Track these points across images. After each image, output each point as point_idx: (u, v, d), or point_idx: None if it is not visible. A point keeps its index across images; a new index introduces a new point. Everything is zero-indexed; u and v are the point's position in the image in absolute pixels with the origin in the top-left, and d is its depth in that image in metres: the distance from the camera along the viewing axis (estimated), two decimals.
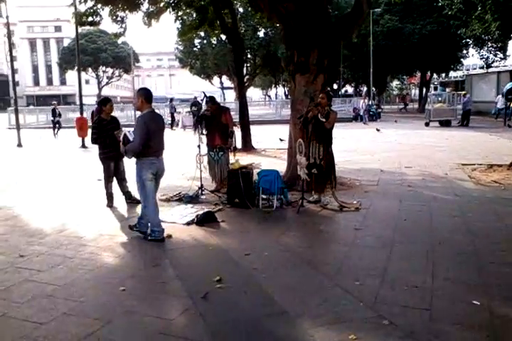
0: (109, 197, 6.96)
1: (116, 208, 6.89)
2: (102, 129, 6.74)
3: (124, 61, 61.02)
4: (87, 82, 79.72)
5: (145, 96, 5.08)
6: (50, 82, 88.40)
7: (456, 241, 5.00)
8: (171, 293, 3.88)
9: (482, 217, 5.95)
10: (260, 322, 3.34)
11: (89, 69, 63.24)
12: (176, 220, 6.03)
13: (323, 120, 6.50)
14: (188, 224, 5.89)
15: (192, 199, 7.10)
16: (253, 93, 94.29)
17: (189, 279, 4.14)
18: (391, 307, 3.48)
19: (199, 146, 7.31)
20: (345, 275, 4.15)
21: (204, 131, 7.70)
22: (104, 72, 64.85)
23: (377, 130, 20.09)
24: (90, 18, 12.18)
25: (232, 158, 7.84)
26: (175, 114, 26.50)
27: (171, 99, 27.27)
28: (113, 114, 7.17)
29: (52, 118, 22.55)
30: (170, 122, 25.76)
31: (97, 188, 7.75)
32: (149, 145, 5.01)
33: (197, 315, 3.44)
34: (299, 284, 3.99)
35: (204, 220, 5.88)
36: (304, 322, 3.31)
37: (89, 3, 11.73)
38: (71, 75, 69.83)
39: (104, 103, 6.94)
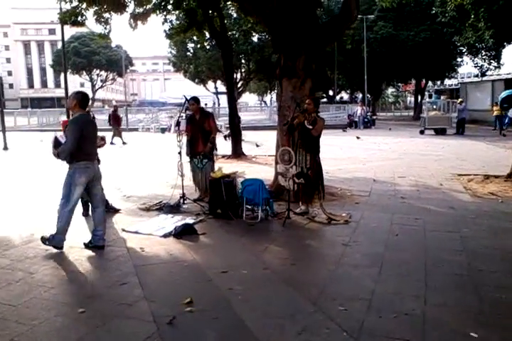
0: (84, 205, 6.55)
1: None
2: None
3: (117, 64, 60.62)
4: (82, 85, 79.43)
5: (80, 100, 5.00)
6: (44, 84, 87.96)
7: (450, 260, 4.63)
8: (134, 317, 3.48)
9: (478, 233, 5.58)
10: None
11: (83, 72, 62.77)
12: (153, 232, 5.64)
13: (310, 127, 6.15)
14: (165, 236, 5.50)
15: (173, 208, 6.71)
16: (249, 98, 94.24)
17: (157, 301, 3.75)
18: (377, 338, 3.11)
19: (180, 153, 6.94)
20: (328, 299, 3.77)
21: (185, 137, 7.31)
22: (98, 75, 64.37)
23: (358, 138, 19.69)
24: (74, 18, 11.82)
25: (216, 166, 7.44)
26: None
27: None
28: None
29: None
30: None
31: None
32: (81, 148, 4.89)
33: None
34: (277, 308, 3.61)
35: (182, 232, 5.50)
36: None
37: (74, 3, 11.39)
38: None
39: None
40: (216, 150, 7.53)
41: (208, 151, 7.18)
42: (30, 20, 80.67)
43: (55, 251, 4.99)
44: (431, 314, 3.45)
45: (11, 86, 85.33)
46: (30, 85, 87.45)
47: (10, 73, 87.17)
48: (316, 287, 4.01)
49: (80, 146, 4.86)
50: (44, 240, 5.06)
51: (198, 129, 7.17)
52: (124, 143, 18.77)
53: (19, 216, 6.64)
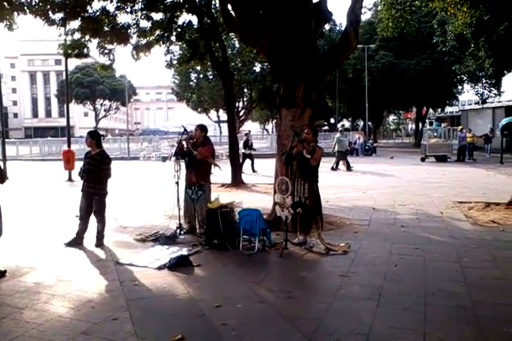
0: (78, 235, 6.47)
1: (88, 249, 6.38)
2: (84, 162, 6.60)
3: (121, 94, 61.38)
4: (85, 114, 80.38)
5: None
6: (48, 114, 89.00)
7: (451, 292, 4.51)
8: None
9: (479, 263, 5.46)
10: None
11: (87, 102, 63.54)
12: (147, 264, 5.53)
13: (309, 156, 6.12)
14: (160, 268, 5.39)
15: (169, 239, 6.61)
16: (251, 126, 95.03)
17: (147, 337, 3.63)
18: None
19: (177, 183, 6.88)
20: (324, 334, 3.64)
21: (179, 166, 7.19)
22: (101, 104, 65.12)
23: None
24: (78, 51, 12.02)
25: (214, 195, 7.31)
26: None
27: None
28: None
29: (243, 151, 17.74)
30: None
31: (73, 226, 7.25)
32: None
33: None
34: None
35: (177, 264, 5.39)
36: None
37: (77, 35, 11.60)
38: (70, 107, 70.29)
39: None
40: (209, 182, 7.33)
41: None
42: (38, 52, 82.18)
43: (45, 284, 4.90)
44: None
45: (15, 115, 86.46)
46: (35, 115, 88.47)
47: (15, 103, 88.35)
48: (312, 321, 3.89)
49: None
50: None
51: (190, 158, 6.99)
52: None
53: (12, 248, 6.53)
